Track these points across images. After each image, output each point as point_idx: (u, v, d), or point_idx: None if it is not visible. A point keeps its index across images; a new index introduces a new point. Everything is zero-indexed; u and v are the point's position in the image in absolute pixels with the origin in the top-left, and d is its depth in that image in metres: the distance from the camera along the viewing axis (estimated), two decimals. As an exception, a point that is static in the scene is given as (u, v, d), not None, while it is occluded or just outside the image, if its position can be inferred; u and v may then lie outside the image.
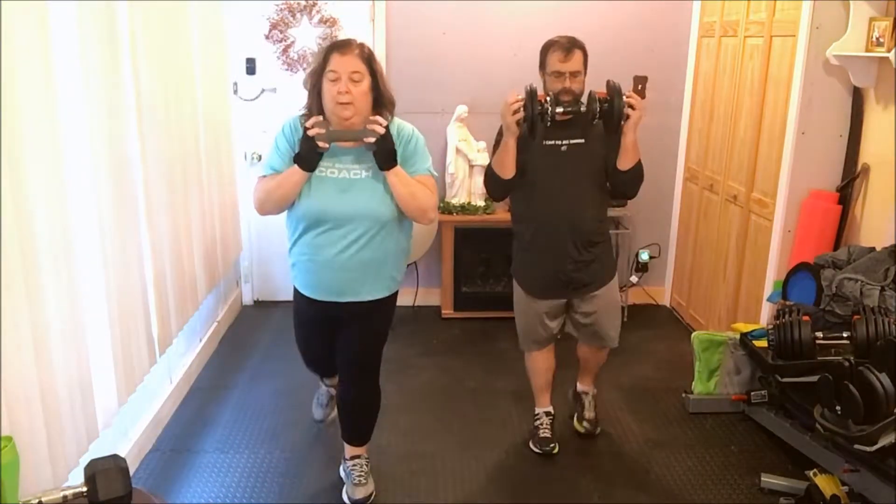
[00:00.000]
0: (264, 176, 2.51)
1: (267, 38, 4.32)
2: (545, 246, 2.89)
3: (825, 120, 3.28)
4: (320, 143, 2.36)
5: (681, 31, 4.45)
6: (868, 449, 2.27)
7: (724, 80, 4.02)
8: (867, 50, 3.03)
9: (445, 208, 4.40)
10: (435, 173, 2.58)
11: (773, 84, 3.51)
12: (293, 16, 4.29)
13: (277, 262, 4.55)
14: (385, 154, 2.39)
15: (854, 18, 3.05)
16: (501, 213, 4.49)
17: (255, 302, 4.75)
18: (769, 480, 2.83)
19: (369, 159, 2.43)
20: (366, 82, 2.38)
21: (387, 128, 2.39)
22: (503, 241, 4.44)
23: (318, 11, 4.29)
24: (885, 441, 2.23)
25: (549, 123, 2.68)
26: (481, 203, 4.43)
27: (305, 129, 2.38)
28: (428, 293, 4.68)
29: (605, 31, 4.42)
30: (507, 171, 2.78)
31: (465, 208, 4.40)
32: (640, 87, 4.53)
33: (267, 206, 2.50)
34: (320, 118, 2.38)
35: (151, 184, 2.86)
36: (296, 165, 2.41)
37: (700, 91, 4.36)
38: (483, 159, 4.39)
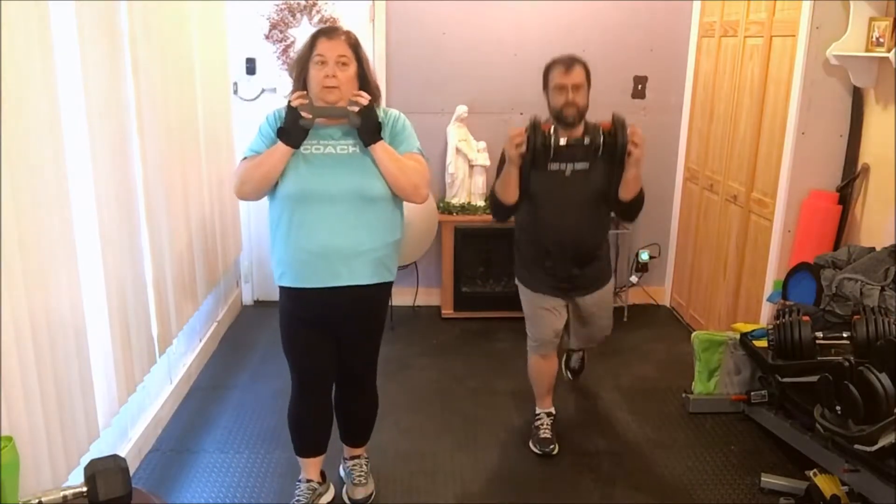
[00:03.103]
0: (245, 158, 2.43)
1: (267, 38, 4.32)
2: (547, 260, 2.99)
3: (825, 120, 3.28)
4: (303, 114, 2.29)
5: (681, 31, 4.45)
6: (868, 449, 2.27)
7: (724, 80, 4.02)
8: (867, 50, 3.03)
9: (445, 208, 4.40)
10: (424, 153, 2.51)
11: (773, 84, 3.52)
12: (293, 16, 4.29)
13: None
14: (369, 128, 2.33)
15: (854, 18, 3.05)
16: (501, 213, 4.50)
17: (255, 302, 4.75)
18: (769, 480, 2.83)
19: (355, 135, 2.37)
20: (352, 68, 2.36)
21: (371, 102, 2.35)
22: (503, 241, 4.46)
23: (318, 11, 4.29)
24: (885, 441, 2.23)
25: (552, 155, 2.77)
26: (481, 203, 4.43)
27: (290, 101, 2.33)
28: (428, 293, 4.69)
29: (605, 31, 4.42)
30: (510, 196, 2.86)
31: (465, 208, 4.40)
32: (640, 87, 4.55)
33: (246, 188, 2.39)
34: (304, 92, 2.35)
35: (151, 184, 2.86)
36: (279, 142, 2.33)
37: (700, 91, 4.36)
38: (483, 159, 4.40)
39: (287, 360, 2.61)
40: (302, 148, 2.35)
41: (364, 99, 2.33)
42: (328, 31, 2.38)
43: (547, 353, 3.10)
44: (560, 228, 2.90)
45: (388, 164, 2.36)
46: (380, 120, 2.38)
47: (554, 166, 2.84)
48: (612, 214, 3.11)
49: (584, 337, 3.26)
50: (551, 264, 2.98)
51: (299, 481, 2.72)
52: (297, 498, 2.67)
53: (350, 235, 2.37)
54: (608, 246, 3.18)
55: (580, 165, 2.85)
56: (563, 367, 3.45)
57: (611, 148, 2.77)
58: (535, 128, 2.74)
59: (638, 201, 2.92)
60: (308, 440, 2.71)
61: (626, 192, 2.87)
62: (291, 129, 2.31)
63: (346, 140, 2.38)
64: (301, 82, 2.39)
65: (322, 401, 2.66)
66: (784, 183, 3.39)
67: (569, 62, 2.82)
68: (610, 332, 3.25)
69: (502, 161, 2.87)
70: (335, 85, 2.31)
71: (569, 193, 2.87)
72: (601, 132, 2.77)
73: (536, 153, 2.75)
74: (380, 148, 2.36)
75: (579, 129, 2.85)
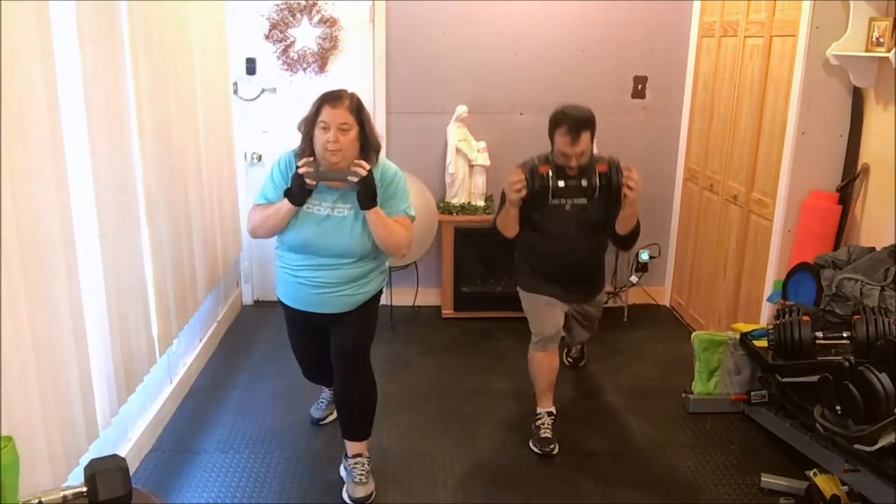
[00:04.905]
0: (258, 204, 2.76)
1: (267, 38, 4.32)
2: (549, 276, 3.18)
3: (825, 120, 3.28)
4: (308, 181, 2.59)
5: (681, 31, 4.45)
6: (868, 449, 2.27)
7: (724, 80, 4.02)
8: (867, 50, 3.03)
9: (445, 208, 4.40)
10: (412, 213, 2.79)
11: (773, 84, 3.51)
12: (293, 16, 4.29)
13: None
14: (367, 195, 2.61)
15: (854, 18, 3.05)
16: (501, 213, 4.50)
17: (255, 302, 4.75)
18: (769, 480, 2.83)
19: (352, 199, 2.65)
20: (353, 132, 2.59)
21: (370, 171, 2.59)
22: (503, 240, 4.46)
23: (318, 11, 4.29)
24: (885, 441, 2.23)
25: (550, 197, 2.96)
26: (481, 203, 4.43)
27: (297, 167, 2.61)
28: (428, 293, 4.69)
29: (606, 30, 4.42)
30: (510, 232, 3.09)
31: (465, 208, 4.40)
32: (640, 87, 4.55)
33: (259, 233, 2.76)
34: (311, 159, 2.61)
35: (151, 183, 2.86)
36: (286, 199, 2.64)
37: (700, 91, 4.36)
38: (483, 159, 4.40)
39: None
40: (305, 206, 2.67)
41: (363, 170, 2.58)
42: (332, 98, 2.60)
43: (548, 348, 3.13)
44: (562, 253, 3.10)
45: (379, 228, 2.66)
46: (376, 183, 2.63)
47: (554, 201, 3.02)
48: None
49: (579, 332, 3.44)
50: (554, 278, 3.17)
51: (323, 389, 3.34)
52: (319, 400, 3.34)
53: (336, 280, 2.70)
54: (603, 264, 3.38)
55: (579, 200, 3.03)
56: (563, 356, 3.56)
57: (606, 189, 2.93)
58: (532, 172, 2.94)
59: (633, 234, 3.09)
60: (322, 384, 3.27)
61: (622, 228, 3.04)
62: (296, 192, 2.63)
63: (343, 203, 2.68)
64: (308, 141, 2.64)
65: (321, 367, 2.98)
66: (784, 183, 3.39)
67: (576, 130, 2.89)
68: (598, 320, 3.47)
69: (504, 197, 3.03)
70: (337, 149, 2.57)
71: (569, 224, 3.06)
72: (597, 174, 2.93)
73: (535, 194, 2.94)
74: (373, 213, 2.64)
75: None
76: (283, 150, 2.78)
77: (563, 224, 3.05)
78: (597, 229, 3.09)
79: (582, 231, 3.07)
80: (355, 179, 2.57)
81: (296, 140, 2.70)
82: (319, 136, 2.57)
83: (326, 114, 2.56)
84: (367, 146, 2.64)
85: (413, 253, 4.16)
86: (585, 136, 2.90)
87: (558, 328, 3.17)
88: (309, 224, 2.67)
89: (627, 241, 3.12)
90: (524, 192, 2.91)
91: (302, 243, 2.68)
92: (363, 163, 2.59)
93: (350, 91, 2.66)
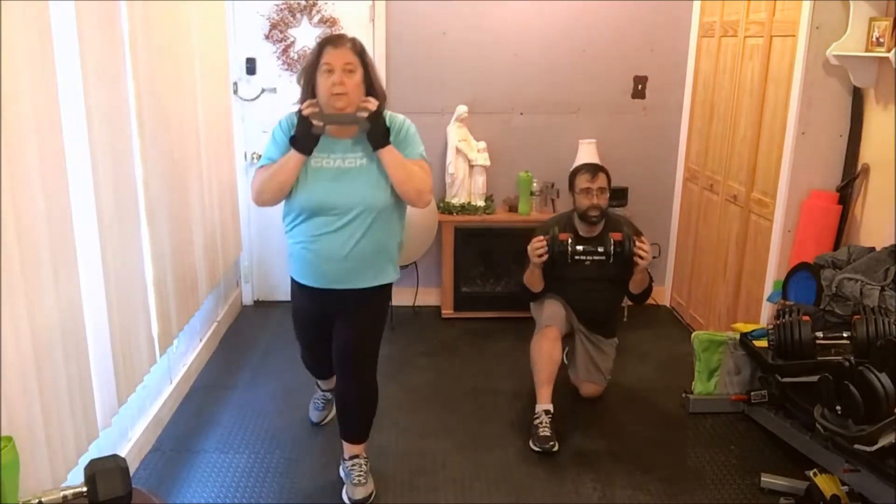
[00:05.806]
0: (262, 167, 2.56)
1: (267, 38, 4.32)
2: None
3: (825, 120, 3.28)
4: (315, 122, 2.40)
5: (681, 31, 4.45)
6: (868, 449, 2.27)
7: (724, 80, 4.02)
8: (867, 50, 3.03)
9: (445, 208, 4.40)
10: (428, 159, 2.62)
11: (773, 84, 3.51)
12: (293, 16, 4.29)
13: (277, 262, 4.55)
14: (377, 133, 2.44)
15: (854, 18, 3.05)
16: (501, 214, 4.50)
17: (255, 302, 4.75)
18: (769, 480, 2.83)
19: (363, 148, 2.48)
20: (359, 74, 2.44)
21: (379, 108, 2.44)
22: (503, 241, 4.47)
23: (318, 11, 4.29)
24: (885, 441, 2.23)
25: (569, 260, 3.24)
26: (481, 203, 4.43)
27: (301, 109, 2.44)
28: (428, 293, 4.69)
29: (605, 31, 4.42)
30: (537, 287, 3.41)
31: (465, 208, 4.40)
32: (640, 86, 4.55)
33: (265, 196, 2.53)
34: (315, 100, 2.44)
35: (151, 183, 2.86)
36: (292, 150, 2.45)
37: (700, 91, 4.36)
38: (483, 159, 4.40)
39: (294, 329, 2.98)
40: (313, 161, 2.48)
41: (372, 105, 2.42)
42: (334, 39, 2.46)
43: (550, 329, 3.26)
44: (581, 302, 3.44)
45: (395, 170, 2.47)
46: (387, 125, 2.46)
47: (578, 257, 3.31)
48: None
49: (585, 366, 3.50)
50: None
51: (316, 391, 3.24)
52: (314, 401, 3.24)
53: (355, 246, 2.51)
54: (616, 315, 3.71)
55: (599, 258, 3.31)
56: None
57: (619, 256, 3.24)
58: (553, 239, 3.24)
59: (646, 292, 3.43)
60: (317, 373, 3.14)
61: (634, 288, 3.38)
62: (303, 138, 2.43)
63: (354, 152, 2.49)
64: (309, 90, 2.48)
65: (320, 355, 2.89)
66: (784, 183, 3.39)
67: (594, 169, 3.39)
68: (601, 387, 3.53)
69: (528, 258, 3.32)
70: (343, 92, 2.40)
71: (588, 279, 3.38)
72: (612, 242, 3.24)
73: (556, 258, 3.25)
74: (387, 153, 2.46)
75: (600, 226, 3.38)
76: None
77: (583, 278, 3.37)
78: (612, 282, 3.38)
79: (600, 281, 3.37)
80: (365, 115, 2.40)
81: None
82: (323, 82, 2.41)
83: (329, 55, 2.40)
84: (373, 92, 2.48)
85: (413, 253, 4.16)
86: (602, 176, 3.35)
87: (562, 316, 3.37)
88: (320, 181, 2.48)
89: (639, 298, 3.47)
90: (545, 257, 3.22)
91: (315, 204, 2.48)
92: (370, 98, 2.43)
93: (351, 35, 2.52)
